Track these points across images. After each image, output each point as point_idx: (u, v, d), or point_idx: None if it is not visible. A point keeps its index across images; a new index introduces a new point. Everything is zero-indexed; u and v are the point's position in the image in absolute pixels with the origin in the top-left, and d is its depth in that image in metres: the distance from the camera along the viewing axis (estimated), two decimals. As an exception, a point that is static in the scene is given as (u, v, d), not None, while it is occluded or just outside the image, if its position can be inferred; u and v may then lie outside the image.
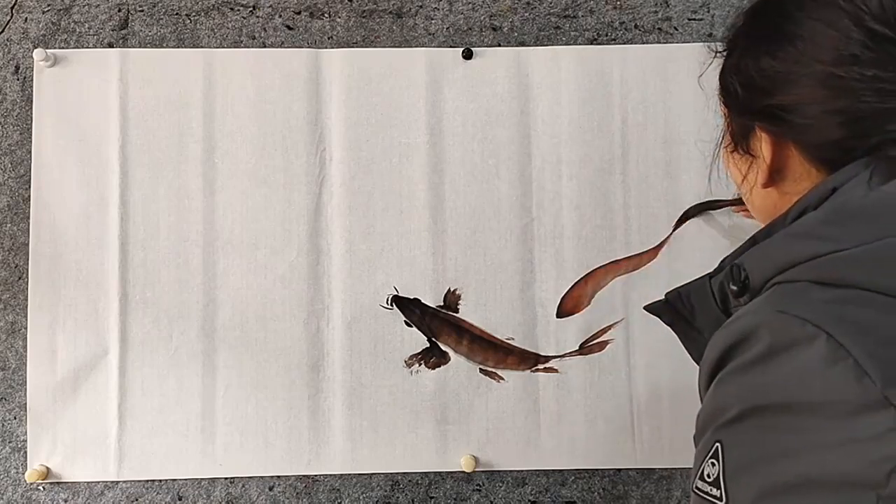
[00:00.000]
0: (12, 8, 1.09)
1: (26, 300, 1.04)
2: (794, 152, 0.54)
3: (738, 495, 0.44)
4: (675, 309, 0.64)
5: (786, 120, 0.53)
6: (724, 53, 0.61)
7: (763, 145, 0.55)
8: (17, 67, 1.08)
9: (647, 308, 0.68)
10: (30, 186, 1.05)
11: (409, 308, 1.05)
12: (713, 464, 0.46)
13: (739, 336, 0.48)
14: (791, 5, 0.54)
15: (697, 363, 0.65)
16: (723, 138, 0.63)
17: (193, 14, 1.09)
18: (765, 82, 0.54)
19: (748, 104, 0.56)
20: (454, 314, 1.05)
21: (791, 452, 0.42)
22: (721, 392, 0.48)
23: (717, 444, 0.46)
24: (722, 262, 0.58)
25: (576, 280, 1.05)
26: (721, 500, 0.45)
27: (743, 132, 0.58)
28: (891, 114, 0.49)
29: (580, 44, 1.09)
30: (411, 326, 1.05)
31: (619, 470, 1.04)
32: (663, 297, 0.65)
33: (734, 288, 0.54)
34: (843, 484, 0.40)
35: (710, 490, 0.46)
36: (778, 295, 0.49)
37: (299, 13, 1.10)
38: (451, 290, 1.05)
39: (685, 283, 0.63)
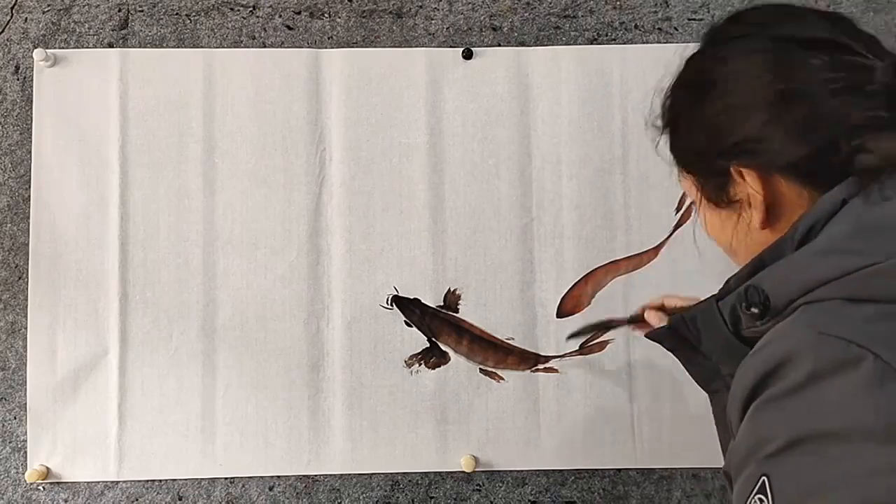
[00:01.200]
0: (12, 8, 1.09)
1: (26, 300, 1.04)
2: (781, 180, 0.53)
3: None
4: (678, 334, 0.62)
5: (757, 150, 0.53)
6: (669, 129, 0.62)
7: (750, 181, 0.54)
8: (17, 67, 1.08)
9: (648, 336, 0.67)
10: (30, 186, 1.05)
11: (409, 308, 1.05)
12: (761, 500, 0.44)
13: (776, 362, 0.46)
14: (717, 53, 0.56)
15: (702, 387, 0.64)
16: (698, 211, 0.62)
17: (193, 14, 1.09)
18: (723, 122, 0.55)
19: (717, 150, 0.56)
20: (454, 314, 1.05)
21: (849, 480, 0.41)
22: (761, 422, 0.46)
23: (764, 478, 0.44)
24: (727, 283, 0.56)
25: (576, 280, 1.05)
26: None
27: (719, 186, 0.57)
28: (847, 114, 0.49)
29: (580, 44, 1.09)
30: (411, 326, 1.05)
31: (619, 470, 1.04)
32: (666, 324, 0.64)
33: (754, 311, 0.51)
34: None
35: None
36: (811, 316, 0.47)
37: (299, 13, 1.10)
38: (451, 290, 1.05)
39: (690, 307, 0.61)
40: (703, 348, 0.61)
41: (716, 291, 0.58)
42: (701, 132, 0.57)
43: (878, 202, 0.47)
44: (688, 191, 0.62)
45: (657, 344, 0.66)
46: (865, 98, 0.48)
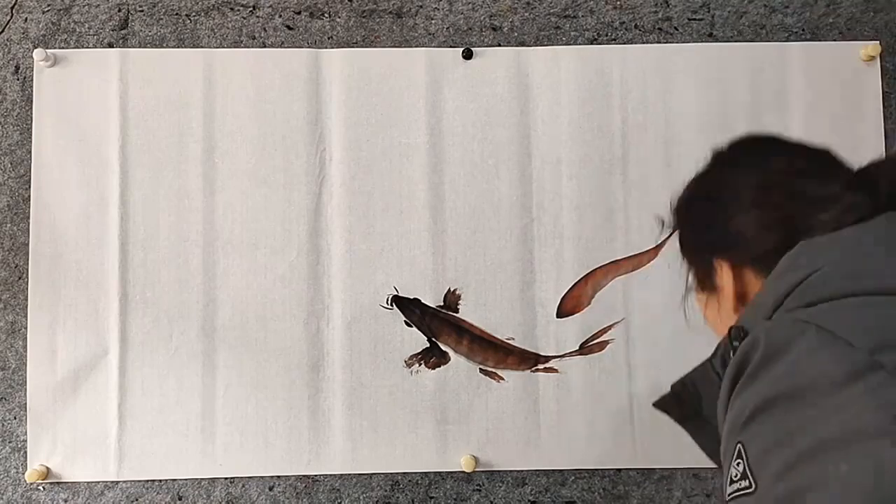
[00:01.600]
0: (12, 8, 1.09)
1: (26, 300, 1.04)
2: (749, 271, 0.63)
3: (765, 477, 0.46)
4: (681, 400, 0.68)
5: (733, 244, 0.64)
6: (678, 230, 0.73)
7: (724, 275, 0.65)
8: (17, 67, 1.08)
9: (655, 405, 0.72)
10: (30, 186, 1.05)
11: (409, 308, 1.05)
12: (738, 463, 0.49)
13: (742, 356, 0.52)
14: (717, 171, 0.70)
15: (713, 459, 0.67)
16: (691, 288, 0.73)
17: (193, 14, 1.09)
18: (714, 220, 0.66)
19: (706, 242, 0.67)
20: (454, 314, 1.05)
21: (804, 428, 0.45)
22: (736, 405, 0.52)
23: (739, 444, 0.50)
24: (718, 345, 0.62)
25: (576, 280, 1.05)
26: (751, 488, 0.47)
27: (705, 273, 0.68)
28: (804, 209, 0.60)
29: (580, 44, 1.09)
30: (411, 326, 1.05)
31: (619, 470, 1.04)
32: (669, 390, 0.70)
33: (736, 344, 0.58)
34: (856, 438, 0.43)
35: (740, 484, 0.48)
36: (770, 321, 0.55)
37: (299, 13, 1.10)
38: (451, 290, 1.05)
39: (688, 372, 0.67)
40: (705, 413, 0.65)
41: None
42: (694, 230, 0.70)
43: None
44: (693, 275, 0.73)
45: (665, 414, 0.72)
46: (828, 205, 0.59)
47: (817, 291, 0.52)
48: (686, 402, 0.67)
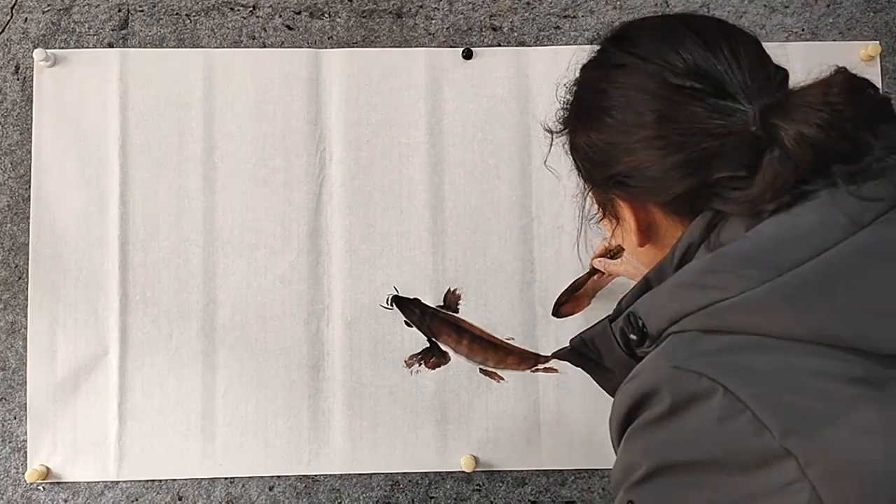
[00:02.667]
0: (12, 8, 1.09)
1: (26, 300, 1.04)
2: (655, 209, 0.56)
3: None
4: (582, 355, 0.65)
5: (631, 185, 0.55)
6: (567, 132, 0.63)
7: (624, 211, 0.57)
8: (17, 67, 1.08)
9: (555, 355, 0.69)
10: (30, 186, 1.05)
11: (409, 308, 1.05)
12: None
13: (641, 393, 0.49)
14: (602, 79, 0.57)
15: (611, 395, 0.66)
16: (587, 209, 0.65)
17: (193, 14, 1.09)
18: (599, 156, 0.57)
19: (594, 178, 0.59)
20: (454, 314, 1.05)
21: None
22: (629, 450, 0.49)
23: (630, 502, 0.47)
24: (619, 303, 0.58)
25: (575, 280, 1.05)
26: None
27: (604, 202, 0.61)
28: (715, 157, 0.50)
29: (580, 44, 1.09)
30: (411, 326, 1.05)
31: (619, 470, 1.04)
32: (568, 345, 0.67)
33: (634, 337, 0.55)
34: None
35: None
36: (672, 347, 0.50)
37: (299, 13, 1.10)
38: (451, 290, 1.05)
39: (586, 328, 0.64)
40: (607, 364, 0.63)
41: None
42: (581, 157, 0.60)
43: (729, 231, 0.50)
44: (591, 204, 0.65)
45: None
46: (733, 148, 0.49)
47: (724, 320, 0.47)
48: (585, 356, 0.65)
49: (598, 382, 0.68)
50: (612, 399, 0.55)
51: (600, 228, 0.66)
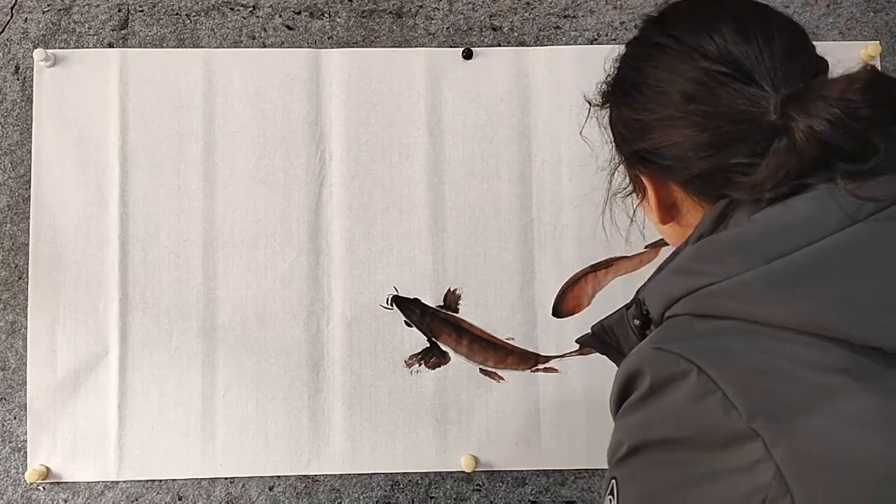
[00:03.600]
0: (12, 8, 1.09)
1: (26, 300, 1.04)
2: (676, 188, 0.57)
3: None
4: (602, 341, 0.66)
5: (654, 161, 0.56)
6: (605, 106, 0.65)
7: (647, 187, 0.59)
8: (17, 67, 1.08)
9: (578, 341, 0.70)
10: (30, 186, 1.05)
11: (409, 308, 1.05)
12: (610, 500, 0.48)
13: (629, 374, 0.50)
14: (640, 57, 0.59)
15: None
16: (617, 184, 0.67)
17: (193, 14, 1.09)
18: (628, 131, 0.58)
19: (623, 152, 0.61)
20: (454, 314, 1.05)
21: (675, 486, 0.44)
22: (618, 429, 0.51)
23: (613, 480, 0.49)
24: (637, 292, 0.60)
25: (571, 276, 1.05)
26: None
27: (633, 176, 0.62)
28: (734, 141, 0.51)
29: (580, 44, 1.09)
30: (411, 326, 1.05)
31: (619, 470, 1.04)
32: (590, 331, 0.68)
33: (637, 322, 0.57)
34: None
35: None
36: (662, 330, 0.52)
37: (299, 13, 1.10)
38: (451, 290, 1.05)
39: (607, 315, 0.65)
40: (625, 351, 0.64)
41: None
42: (614, 131, 0.62)
43: (737, 219, 0.51)
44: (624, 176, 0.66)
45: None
46: (751, 135, 0.50)
47: (710, 305, 0.48)
48: (606, 342, 0.66)
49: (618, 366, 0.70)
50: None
51: (627, 203, 0.68)
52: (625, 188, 0.66)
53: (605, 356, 0.69)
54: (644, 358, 0.49)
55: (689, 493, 0.43)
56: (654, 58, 0.56)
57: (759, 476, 0.40)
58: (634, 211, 0.66)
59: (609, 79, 0.64)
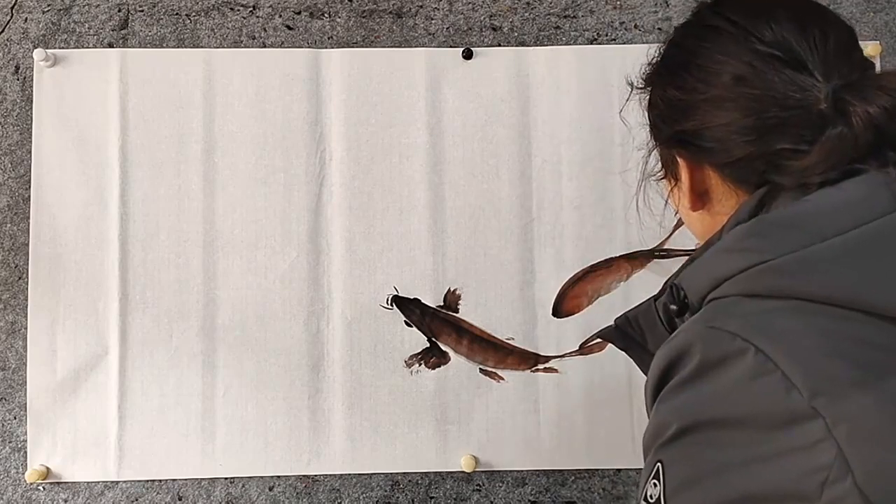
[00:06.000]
0: (12, 8, 1.09)
1: (26, 300, 1.04)
2: (713, 173, 0.57)
3: None
4: (626, 334, 0.65)
5: (694, 144, 0.56)
6: (648, 89, 0.64)
7: (682, 170, 0.59)
8: (17, 67, 1.08)
9: (599, 335, 0.69)
10: (30, 186, 1.05)
11: (409, 308, 1.05)
12: (655, 484, 0.47)
13: (676, 354, 0.49)
14: (691, 38, 0.59)
15: None
16: (645, 168, 0.67)
17: (193, 14, 1.09)
18: (671, 111, 0.58)
19: (662, 133, 0.60)
20: (454, 314, 1.05)
21: (729, 468, 0.43)
22: (661, 411, 0.49)
23: (658, 463, 0.47)
24: (666, 282, 0.59)
25: (571, 277, 1.05)
26: None
27: (668, 161, 0.62)
28: (781, 127, 0.51)
29: (580, 44, 1.09)
30: (411, 326, 1.05)
31: (619, 470, 1.04)
32: (613, 323, 0.67)
33: (674, 307, 0.56)
34: (780, 497, 0.41)
35: None
36: (710, 311, 0.51)
37: (299, 13, 1.10)
38: (451, 290, 1.05)
39: (633, 307, 0.65)
40: (650, 347, 0.63)
41: None
42: (655, 112, 0.61)
43: (778, 206, 0.51)
44: (655, 161, 0.66)
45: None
46: (799, 122, 0.51)
47: (762, 283, 0.48)
48: (629, 336, 0.65)
49: (639, 367, 0.68)
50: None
51: (660, 187, 0.67)
52: (658, 172, 0.66)
53: (624, 352, 0.68)
54: (695, 336, 0.48)
55: (744, 473, 0.42)
56: (708, 39, 0.56)
57: (819, 456, 0.40)
58: (668, 196, 0.66)
59: (654, 60, 0.64)
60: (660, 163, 0.65)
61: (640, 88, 0.65)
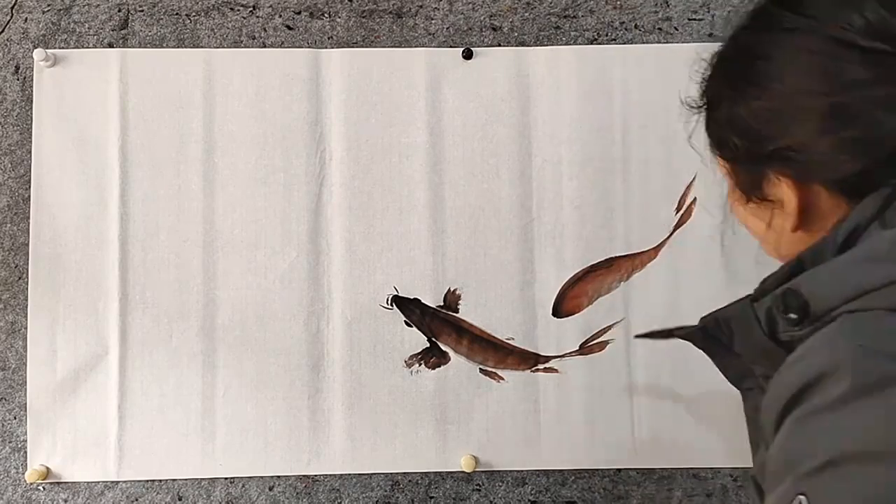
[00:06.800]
0: (12, 8, 1.09)
1: (26, 300, 1.04)
2: (819, 188, 0.51)
3: None
4: (711, 336, 0.60)
5: (798, 160, 0.50)
6: (706, 107, 0.59)
7: (784, 190, 0.52)
8: (17, 67, 1.08)
9: (677, 334, 0.64)
10: (30, 186, 1.05)
11: (409, 308, 1.05)
12: None
13: (816, 374, 0.44)
14: (764, 43, 0.52)
15: (734, 385, 0.62)
16: (728, 195, 0.60)
17: (193, 14, 1.09)
18: (763, 127, 0.52)
19: (753, 153, 0.54)
20: (454, 314, 1.05)
21: None
22: (799, 436, 0.44)
23: (801, 497, 0.42)
24: (763, 283, 0.54)
25: (574, 277, 1.05)
26: None
27: (753, 181, 0.55)
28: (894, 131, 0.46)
29: (580, 44, 1.09)
30: (411, 326, 1.05)
31: (619, 470, 1.04)
32: (698, 322, 0.61)
33: (793, 316, 0.49)
34: None
35: None
36: (853, 327, 0.45)
37: (299, 13, 1.10)
38: (451, 290, 1.05)
39: (721, 307, 0.58)
40: (736, 348, 0.58)
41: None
42: (740, 129, 0.54)
43: None
44: (722, 174, 0.60)
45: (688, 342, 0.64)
46: None
47: None
48: (715, 338, 0.59)
49: (719, 367, 0.63)
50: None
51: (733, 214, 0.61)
52: (736, 193, 0.58)
53: (705, 353, 0.62)
54: (842, 357, 0.43)
55: None
56: (788, 42, 0.50)
57: None
58: (770, 220, 0.57)
59: (710, 76, 0.58)
60: (732, 182, 0.58)
61: (701, 107, 0.59)
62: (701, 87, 0.59)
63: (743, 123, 0.54)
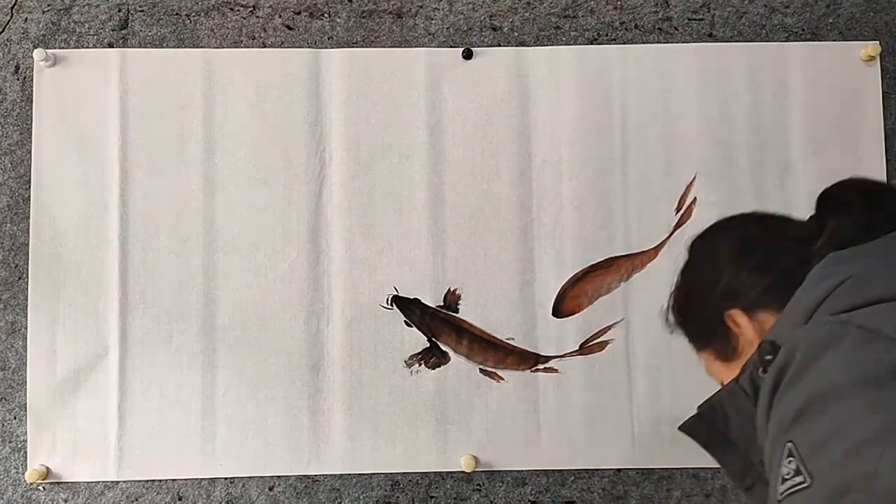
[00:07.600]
0: (12, 8, 1.09)
1: (26, 300, 1.04)
2: (763, 312, 0.65)
3: (822, 468, 0.46)
4: (709, 423, 0.66)
5: (738, 290, 0.66)
6: (681, 318, 0.75)
7: (740, 321, 0.66)
8: (17, 67, 1.08)
9: (681, 429, 0.68)
10: (30, 186, 1.05)
11: (409, 308, 1.05)
12: (790, 461, 0.49)
13: (781, 363, 0.53)
14: (695, 261, 0.74)
15: (739, 484, 0.67)
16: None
17: (193, 14, 1.09)
18: (706, 285, 0.69)
19: (709, 303, 0.68)
20: (454, 314, 1.05)
21: (857, 419, 0.46)
22: (778, 412, 0.52)
23: (790, 444, 0.49)
24: (743, 367, 0.61)
25: (574, 277, 1.05)
26: (806, 482, 0.47)
27: (724, 339, 0.68)
28: (787, 246, 0.65)
29: (580, 44, 1.09)
30: (411, 326, 1.05)
31: (619, 470, 1.04)
32: (695, 412, 0.66)
33: (768, 357, 0.56)
34: None
35: (794, 481, 0.48)
36: (806, 327, 0.56)
37: (299, 13, 1.10)
38: (451, 290, 1.05)
39: (712, 394, 0.65)
40: (733, 435, 0.64)
41: None
42: (696, 300, 0.71)
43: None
44: (709, 366, 0.71)
45: (691, 437, 0.69)
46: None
47: (855, 295, 0.53)
48: (713, 425, 0.65)
49: (722, 465, 0.67)
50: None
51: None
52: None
53: (706, 448, 0.66)
54: (799, 336, 0.52)
55: (863, 426, 0.45)
56: (702, 253, 0.73)
57: None
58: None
59: (679, 287, 0.75)
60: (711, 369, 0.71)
61: (674, 316, 0.75)
62: (672, 309, 0.76)
63: (696, 293, 0.73)
